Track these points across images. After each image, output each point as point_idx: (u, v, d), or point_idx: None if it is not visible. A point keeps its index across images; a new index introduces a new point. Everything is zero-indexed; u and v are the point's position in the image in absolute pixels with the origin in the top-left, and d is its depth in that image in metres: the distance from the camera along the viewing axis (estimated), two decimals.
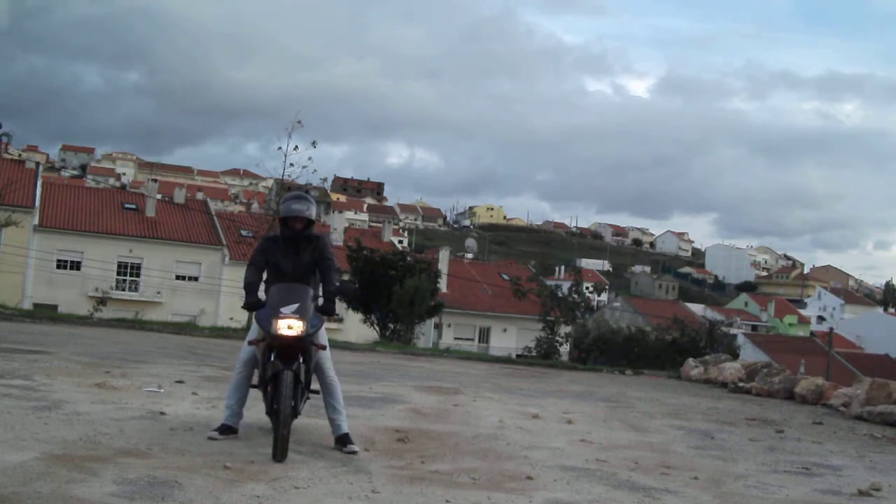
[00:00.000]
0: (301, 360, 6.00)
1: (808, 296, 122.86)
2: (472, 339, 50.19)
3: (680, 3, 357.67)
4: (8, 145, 51.05)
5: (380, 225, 73.83)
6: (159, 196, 51.71)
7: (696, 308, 75.64)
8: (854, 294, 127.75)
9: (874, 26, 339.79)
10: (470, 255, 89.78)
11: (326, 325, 6.44)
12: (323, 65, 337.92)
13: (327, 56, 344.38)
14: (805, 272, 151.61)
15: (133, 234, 45.47)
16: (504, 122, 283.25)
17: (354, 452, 6.17)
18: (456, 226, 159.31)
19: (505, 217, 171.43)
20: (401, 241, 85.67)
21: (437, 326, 45.25)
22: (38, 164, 48.20)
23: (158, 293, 44.96)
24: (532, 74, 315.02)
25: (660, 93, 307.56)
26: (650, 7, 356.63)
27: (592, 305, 46.49)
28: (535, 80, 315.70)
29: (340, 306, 30.08)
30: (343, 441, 6.28)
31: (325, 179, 28.65)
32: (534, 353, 28.09)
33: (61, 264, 43.59)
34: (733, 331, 47.11)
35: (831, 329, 58.02)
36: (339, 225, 56.39)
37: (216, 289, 43.99)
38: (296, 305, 5.95)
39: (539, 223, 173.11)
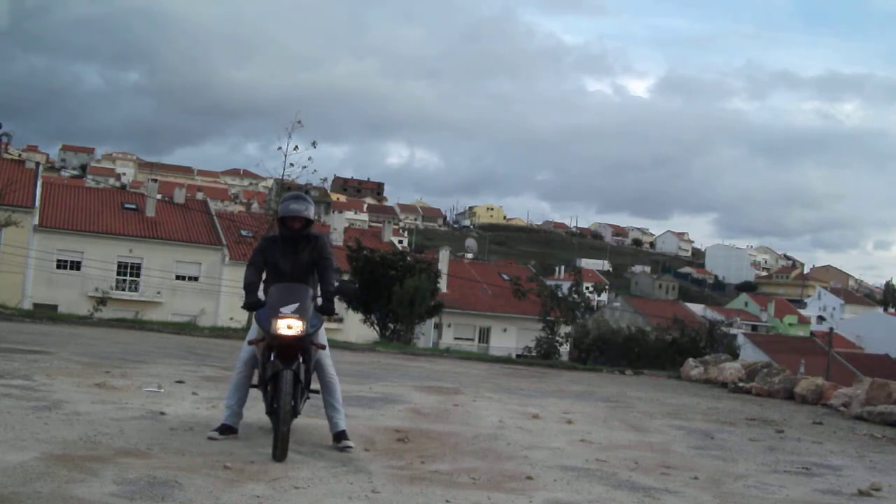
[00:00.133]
0: (301, 359, 6.02)
1: (808, 296, 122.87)
2: (472, 339, 50.20)
3: (680, 3, 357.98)
4: (8, 145, 51.05)
5: (380, 225, 73.86)
6: (159, 196, 51.72)
7: (696, 308, 75.65)
8: (854, 294, 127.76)
9: (874, 26, 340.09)
10: (470, 255, 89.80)
11: (326, 325, 6.45)
12: (323, 65, 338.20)
13: (327, 56, 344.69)
14: (805, 272, 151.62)
15: (133, 234, 45.48)
16: (504, 122, 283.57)
17: (350, 448, 6.22)
18: (456, 226, 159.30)
19: (505, 217, 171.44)
20: (401, 241, 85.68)
21: (437, 326, 45.26)
22: (38, 164, 48.21)
23: (158, 293, 44.97)
24: (532, 74, 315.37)
25: (660, 93, 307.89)
26: (650, 7, 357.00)
27: (592, 305, 46.51)
28: (535, 80, 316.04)
29: (340, 306, 30.09)
30: (339, 438, 6.33)
31: (325, 179, 28.73)
32: (534, 353, 28.08)
33: (61, 264, 43.59)
34: (733, 331, 47.12)
35: (831, 329, 58.02)
36: (339, 225, 56.40)
37: (216, 289, 43.99)
38: (295, 305, 5.96)
39: (539, 223, 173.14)
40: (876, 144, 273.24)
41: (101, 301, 26.43)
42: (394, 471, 5.79)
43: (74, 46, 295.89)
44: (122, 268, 45.11)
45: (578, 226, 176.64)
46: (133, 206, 47.85)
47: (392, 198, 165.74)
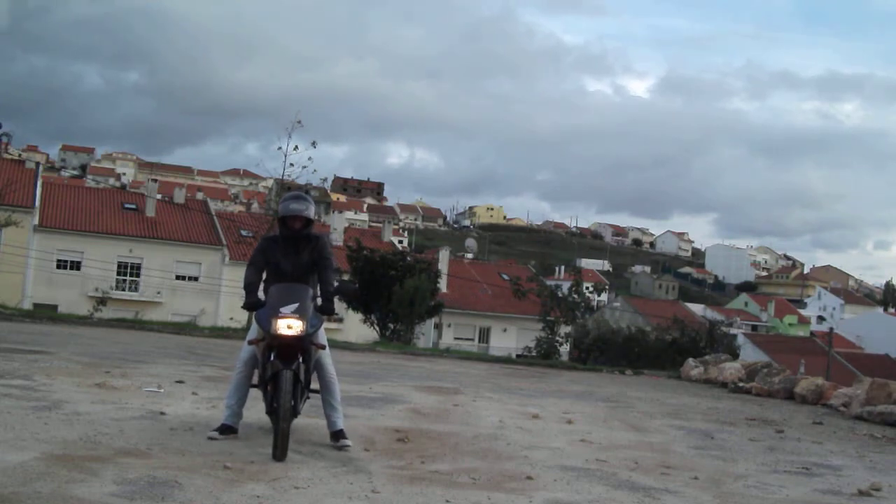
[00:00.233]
0: (301, 359, 6.02)
1: (808, 296, 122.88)
2: (472, 339, 50.20)
3: (680, 3, 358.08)
4: (8, 145, 51.05)
5: (380, 225, 73.85)
6: (159, 196, 51.72)
7: (696, 308, 75.66)
8: (854, 294, 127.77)
9: (874, 26, 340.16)
10: (470, 255, 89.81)
11: (326, 325, 6.46)
12: (323, 65, 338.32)
13: (327, 56, 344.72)
14: (805, 272, 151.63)
15: (133, 234, 45.49)
16: (504, 122, 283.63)
17: (348, 447, 6.24)
18: (456, 226, 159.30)
19: (505, 217, 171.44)
20: (401, 241, 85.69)
21: (437, 326, 45.26)
22: (38, 164, 48.22)
23: (158, 293, 44.97)
24: (532, 74, 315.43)
25: (660, 93, 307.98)
26: (650, 7, 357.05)
27: (592, 305, 46.43)
28: (535, 80, 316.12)
29: (340, 306, 30.09)
30: (337, 437, 6.35)
31: (325, 179, 28.75)
32: (534, 353, 28.05)
33: (61, 264, 43.61)
34: (733, 331, 47.11)
35: (831, 329, 58.02)
36: (339, 225, 56.41)
37: (216, 289, 44.00)
38: (295, 305, 5.97)
39: (539, 223, 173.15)
40: (876, 144, 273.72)
41: (101, 301, 26.42)
42: (394, 471, 5.79)
43: (74, 46, 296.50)
44: (122, 268, 45.12)
45: (578, 226, 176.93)
46: (133, 206, 47.86)
47: (392, 198, 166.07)
